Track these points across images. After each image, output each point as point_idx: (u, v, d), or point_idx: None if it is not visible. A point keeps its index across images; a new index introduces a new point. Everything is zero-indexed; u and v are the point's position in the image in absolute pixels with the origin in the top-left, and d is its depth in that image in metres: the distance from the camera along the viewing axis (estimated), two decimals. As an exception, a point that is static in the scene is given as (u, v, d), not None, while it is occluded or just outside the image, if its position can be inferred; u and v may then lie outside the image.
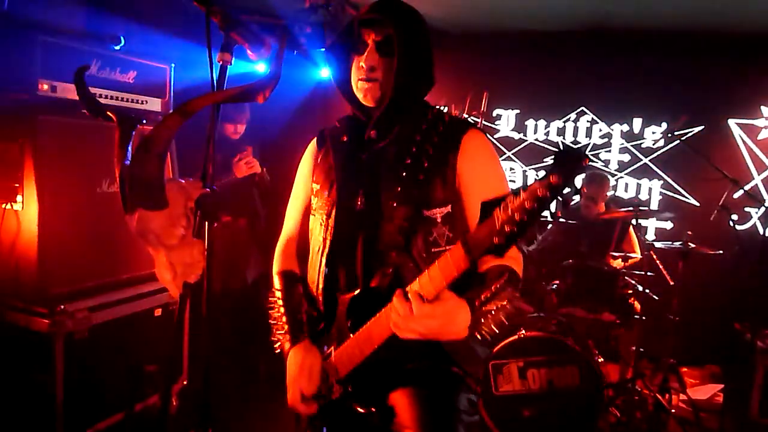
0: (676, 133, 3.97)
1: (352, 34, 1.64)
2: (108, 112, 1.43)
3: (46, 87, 2.72)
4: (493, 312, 1.54)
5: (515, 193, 1.16)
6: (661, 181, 5.23)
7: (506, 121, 5.70)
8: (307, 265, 1.82)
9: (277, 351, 1.77)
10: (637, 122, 5.28)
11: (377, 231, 1.61)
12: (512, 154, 5.66)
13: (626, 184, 5.35)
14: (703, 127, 4.65)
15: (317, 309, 1.76)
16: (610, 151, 5.39)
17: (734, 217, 3.76)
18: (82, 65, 1.57)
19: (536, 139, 5.62)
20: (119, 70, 3.07)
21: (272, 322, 1.80)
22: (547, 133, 5.58)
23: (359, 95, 1.65)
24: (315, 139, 1.89)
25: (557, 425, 3.31)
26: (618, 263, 4.03)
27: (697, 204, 5.09)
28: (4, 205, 2.77)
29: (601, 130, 5.41)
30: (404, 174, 1.61)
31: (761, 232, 3.83)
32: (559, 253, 4.16)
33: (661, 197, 5.23)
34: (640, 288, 3.86)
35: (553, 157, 1.14)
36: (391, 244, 1.59)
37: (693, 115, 4.07)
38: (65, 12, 3.56)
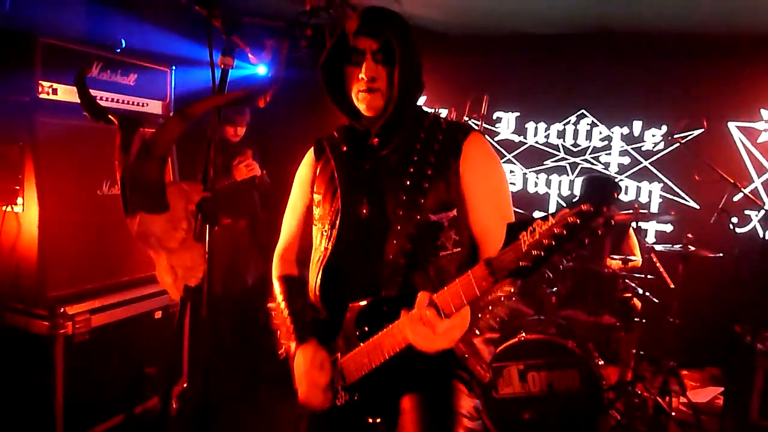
0: (675, 136, 3.97)
1: (343, 45, 1.62)
2: (109, 116, 1.43)
3: (46, 89, 2.72)
4: (490, 307, 1.55)
5: (544, 218, 1.16)
6: (661, 184, 5.23)
7: (506, 123, 5.70)
8: (307, 272, 1.81)
9: (282, 356, 1.76)
10: (637, 125, 5.29)
11: (384, 239, 1.61)
12: (512, 156, 5.66)
13: (626, 187, 5.35)
14: (702, 130, 4.65)
15: (318, 316, 1.76)
16: (610, 153, 5.39)
17: (734, 220, 3.76)
18: (83, 68, 1.57)
19: (536, 142, 5.62)
20: (120, 73, 3.07)
21: (275, 327, 1.79)
22: (547, 136, 5.58)
23: (361, 106, 1.63)
24: (312, 149, 1.88)
25: (557, 428, 3.31)
26: (617, 264, 4.03)
27: (697, 207, 5.09)
28: (4, 208, 2.77)
29: (601, 133, 5.41)
30: (408, 183, 1.61)
31: (761, 234, 3.83)
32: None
33: (661, 200, 5.23)
34: (640, 291, 3.86)
35: (584, 184, 1.14)
36: (399, 251, 1.59)
37: (692, 118, 4.07)
38: (66, 14, 3.57)
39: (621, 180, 5.34)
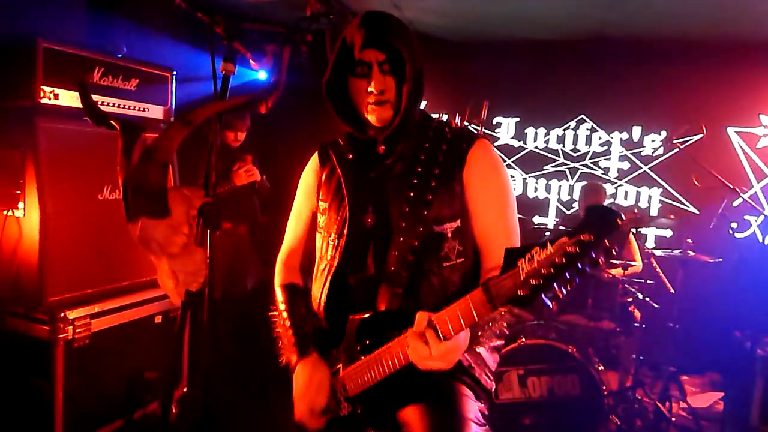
0: (675, 141, 3.98)
1: (346, 57, 1.58)
2: (111, 121, 1.43)
3: (48, 94, 2.73)
4: (490, 324, 1.54)
5: (542, 245, 1.14)
6: (661, 189, 5.24)
7: (506, 128, 5.71)
8: (310, 280, 1.80)
9: (282, 364, 1.75)
10: (637, 130, 5.30)
11: (387, 249, 1.59)
12: (512, 161, 5.67)
13: (626, 192, 5.35)
14: (701, 135, 4.67)
15: (320, 325, 1.75)
16: (609, 159, 5.40)
17: (734, 225, 3.76)
18: (85, 73, 1.58)
19: (536, 147, 5.63)
20: (121, 78, 3.08)
21: (276, 335, 1.78)
22: (546, 141, 5.59)
23: (371, 118, 1.60)
24: (316, 155, 1.86)
25: (557, 433, 3.31)
26: (618, 271, 4.03)
27: (697, 212, 5.09)
28: (5, 212, 2.78)
29: (600, 138, 5.42)
30: (411, 194, 1.59)
31: (760, 240, 3.83)
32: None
33: (660, 205, 5.24)
34: (640, 296, 3.87)
35: (586, 212, 1.13)
36: (401, 263, 1.57)
37: (692, 123, 4.07)
38: (67, 19, 3.58)
39: (621, 185, 5.35)
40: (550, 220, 5.58)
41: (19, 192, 2.74)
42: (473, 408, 1.58)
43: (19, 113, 2.73)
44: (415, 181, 1.60)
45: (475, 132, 1.76)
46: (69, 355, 2.74)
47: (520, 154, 5.68)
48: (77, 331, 2.77)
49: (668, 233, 5.16)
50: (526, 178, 5.67)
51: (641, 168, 5.30)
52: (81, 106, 1.50)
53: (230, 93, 1.51)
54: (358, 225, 1.65)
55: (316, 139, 1.91)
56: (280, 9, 4.48)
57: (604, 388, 3.36)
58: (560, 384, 3.31)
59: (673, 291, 4.03)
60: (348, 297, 1.67)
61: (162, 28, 4.14)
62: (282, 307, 1.79)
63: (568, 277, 1.12)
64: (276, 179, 4.37)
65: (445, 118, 5.26)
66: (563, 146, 5.55)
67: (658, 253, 3.97)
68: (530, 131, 5.64)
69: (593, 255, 1.09)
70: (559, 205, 5.59)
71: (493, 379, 1.71)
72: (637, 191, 5.31)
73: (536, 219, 5.56)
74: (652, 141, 5.24)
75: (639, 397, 3.72)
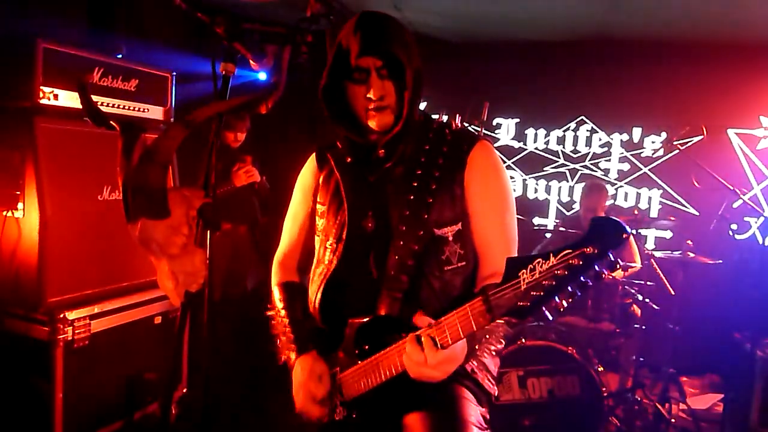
0: (675, 142, 3.98)
1: (343, 63, 1.54)
2: (111, 121, 1.43)
3: (47, 95, 2.73)
4: (487, 336, 1.53)
5: (544, 256, 1.12)
6: (661, 191, 5.23)
7: (506, 129, 5.71)
8: (307, 280, 1.78)
9: (282, 362, 1.73)
10: (637, 131, 5.30)
11: (387, 254, 1.57)
12: (512, 162, 5.67)
13: (626, 194, 5.35)
14: (702, 136, 4.67)
15: (318, 326, 1.73)
16: (609, 160, 5.40)
17: (734, 226, 3.76)
18: (84, 74, 1.57)
19: (536, 148, 5.63)
20: (121, 78, 3.08)
21: (275, 333, 1.77)
22: (546, 142, 5.59)
23: (371, 123, 1.57)
24: (314, 156, 1.83)
25: (557, 435, 3.30)
26: (618, 273, 4.03)
27: (697, 213, 5.09)
28: (5, 213, 2.78)
29: (600, 140, 5.42)
30: (412, 197, 1.57)
31: (760, 241, 3.83)
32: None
33: (660, 206, 5.24)
34: (640, 297, 3.86)
35: (591, 226, 1.11)
36: (401, 267, 1.55)
37: (692, 125, 4.07)
38: (67, 19, 3.58)
39: (621, 186, 5.35)
40: (550, 222, 5.58)
41: (18, 193, 2.74)
42: (475, 412, 1.56)
43: (19, 114, 2.73)
44: (415, 184, 1.58)
45: (476, 133, 1.73)
46: (68, 356, 2.74)
47: (520, 155, 5.68)
48: (77, 332, 2.77)
49: (668, 235, 5.16)
50: (526, 179, 5.67)
51: (641, 169, 5.30)
52: (81, 106, 1.50)
53: (230, 93, 1.51)
54: (357, 229, 1.63)
55: (316, 140, 1.90)
56: (280, 9, 4.49)
57: (604, 389, 3.36)
58: (560, 385, 3.31)
59: (673, 292, 4.03)
60: (347, 300, 1.64)
61: (162, 29, 4.14)
62: (280, 305, 1.78)
63: (570, 289, 1.10)
64: (276, 180, 4.37)
65: (445, 119, 5.26)
66: (563, 147, 5.55)
67: (658, 254, 3.97)
68: (530, 132, 5.64)
69: (597, 268, 1.08)
70: (559, 206, 5.59)
71: (495, 384, 1.69)
72: (637, 192, 5.31)
73: (536, 220, 5.56)
74: (652, 142, 5.24)
75: (639, 399, 3.72)
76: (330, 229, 1.69)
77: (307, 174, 1.85)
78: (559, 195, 5.58)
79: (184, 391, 3.45)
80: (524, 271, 1.15)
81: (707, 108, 4.86)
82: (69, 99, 2.80)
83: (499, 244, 1.59)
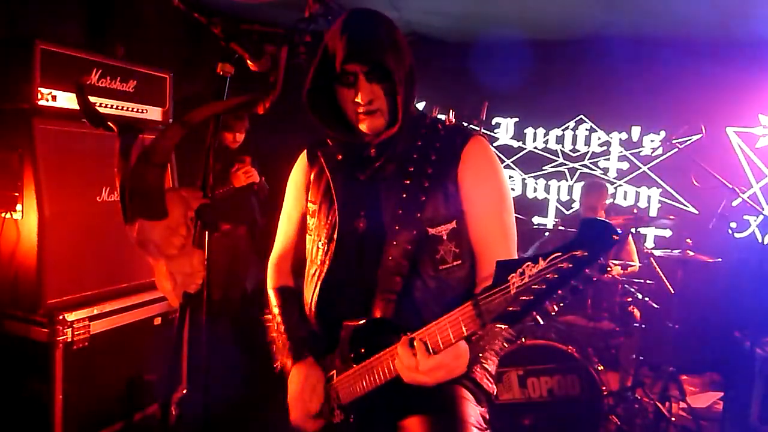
0: (674, 141, 3.98)
1: (329, 67, 1.50)
2: (109, 122, 1.43)
3: (45, 96, 2.72)
4: (490, 343, 1.52)
5: (534, 260, 1.11)
6: (660, 189, 5.23)
7: (505, 129, 5.71)
8: (302, 283, 1.76)
9: (278, 369, 1.71)
10: (636, 130, 5.30)
11: (381, 254, 1.53)
12: (511, 162, 5.67)
13: (625, 192, 5.35)
14: (701, 135, 4.68)
15: (313, 330, 1.71)
16: (608, 159, 5.41)
17: (733, 225, 3.76)
18: (82, 75, 1.57)
19: (535, 147, 5.64)
20: (119, 79, 3.07)
21: (271, 339, 1.75)
22: (546, 141, 5.59)
23: (362, 127, 1.53)
24: (305, 154, 1.80)
25: (557, 434, 3.30)
26: (617, 270, 4.03)
27: (696, 212, 5.09)
28: (3, 214, 2.77)
29: (599, 138, 5.42)
30: (404, 195, 1.53)
31: (760, 239, 3.83)
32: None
33: (660, 205, 5.24)
34: (640, 296, 3.86)
35: (581, 226, 1.09)
36: (395, 268, 1.51)
37: (691, 123, 4.07)
38: (65, 21, 3.58)
39: (620, 185, 5.35)
40: (549, 221, 5.58)
41: (17, 194, 2.73)
42: (474, 412, 1.54)
43: (17, 115, 2.72)
44: (408, 182, 1.54)
45: (471, 128, 1.70)
46: (68, 358, 2.73)
47: (519, 155, 5.69)
48: (76, 333, 2.77)
49: (667, 233, 5.16)
50: (525, 179, 5.67)
51: (640, 168, 5.30)
52: (78, 107, 1.49)
53: (228, 94, 1.50)
54: (349, 229, 1.59)
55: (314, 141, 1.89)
56: (278, 10, 4.49)
57: (604, 388, 3.36)
58: (560, 384, 3.31)
59: (672, 291, 4.03)
60: (341, 302, 1.61)
61: (160, 29, 4.14)
62: (276, 311, 1.75)
63: (560, 293, 1.09)
64: (275, 181, 4.36)
65: (441, 116, 5.26)
66: (562, 146, 5.55)
67: (657, 253, 3.97)
68: (529, 131, 5.64)
69: (587, 272, 1.06)
70: (559, 206, 5.59)
71: (494, 383, 1.67)
72: (637, 191, 5.31)
73: (536, 219, 5.56)
74: (652, 141, 5.24)
75: (639, 397, 3.72)
76: (321, 229, 1.66)
77: (298, 172, 1.81)
78: (558, 194, 5.58)
79: (184, 392, 3.45)
80: (514, 274, 1.13)
81: (706, 106, 4.86)
82: (67, 100, 2.80)
83: (499, 243, 1.56)
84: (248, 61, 1.48)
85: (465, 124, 4.02)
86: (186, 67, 3.93)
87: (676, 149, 4.04)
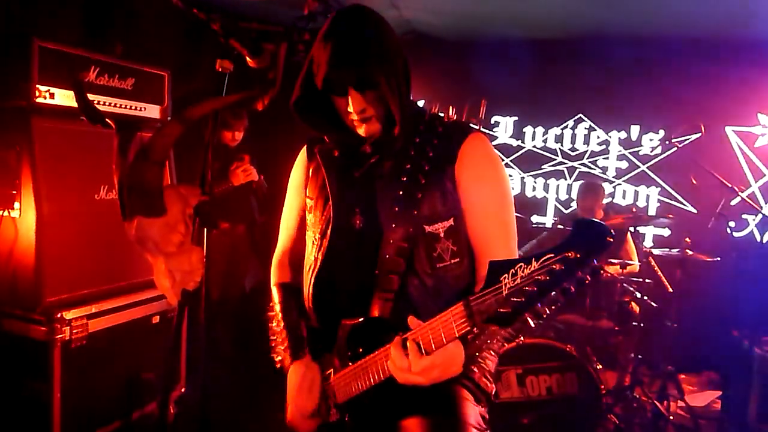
0: (673, 140, 3.98)
1: (314, 76, 1.48)
2: (107, 120, 1.43)
3: (43, 93, 2.71)
4: (488, 342, 1.52)
5: (527, 261, 1.09)
6: (659, 188, 5.23)
7: (504, 127, 5.71)
8: (301, 279, 1.76)
9: (277, 366, 1.71)
10: (635, 129, 5.30)
11: (377, 252, 1.52)
12: (510, 160, 5.67)
13: (624, 191, 5.35)
14: (700, 134, 4.68)
15: (313, 326, 1.71)
16: (607, 158, 5.40)
17: (732, 224, 3.76)
18: (80, 73, 1.57)
19: (534, 146, 5.63)
20: (117, 77, 3.06)
21: (271, 336, 1.75)
22: (545, 140, 5.59)
23: (359, 131, 1.53)
24: (305, 149, 1.80)
25: (556, 433, 3.30)
26: (615, 269, 4.03)
27: (695, 211, 5.10)
28: (1, 213, 2.76)
29: (598, 137, 5.42)
30: (401, 193, 1.51)
31: (758, 239, 3.84)
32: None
33: (658, 204, 5.24)
34: (639, 295, 3.87)
35: (574, 226, 1.07)
36: (391, 266, 1.50)
37: (690, 122, 4.07)
38: (63, 18, 3.57)
39: (619, 184, 5.35)
40: (548, 220, 5.58)
41: (15, 192, 2.73)
42: (473, 412, 1.53)
43: (15, 113, 2.71)
44: (404, 179, 1.52)
45: (470, 125, 1.67)
46: (66, 356, 2.72)
47: (518, 154, 5.68)
48: (74, 331, 2.76)
49: (666, 232, 5.16)
50: (524, 178, 5.67)
51: (639, 167, 5.30)
52: (77, 105, 1.49)
53: (227, 91, 1.50)
54: (344, 226, 1.58)
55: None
56: (277, 7, 4.48)
57: (603, 386, 3.37)
58: (559, 383, 3.31)
59: (671, 290, 4.03)
60: (339, 299, 1.61)
61: (158, 27, 4.13)
62: (277, 308, 1.75)
63: (552, 295, 1.07)
64: (274, 179, 4.35)
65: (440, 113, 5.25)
66: (561, 145, 5.55)
67: (656, 252, 3.97)
68: (528, 130, 5.64)
69: (579, 274, 1.05)
70: (558, 205, 5.59)
71: (493, 382, 1.65)
72: (636, 190, 5.31)
73: (535, 218, 5.56)
74: (651, 140, 5.24)
75: (637, 396, 3.72)
76: (317, 224, 1.65)
77: (298, 168, 1.81)
78: (557, 193, 5.58)
79: (182, 390, 3.44)
80: (506, 275, 1.12)
81: (705, 106, 4.86)
82: (65, 98, 2.79)
83: (498, 242, 1.55)
84: (247, 58, 1.48)
85: (464, 121, 4.01)
86: (184, 64, 3.91)
87: (675, 148, 4.04)
